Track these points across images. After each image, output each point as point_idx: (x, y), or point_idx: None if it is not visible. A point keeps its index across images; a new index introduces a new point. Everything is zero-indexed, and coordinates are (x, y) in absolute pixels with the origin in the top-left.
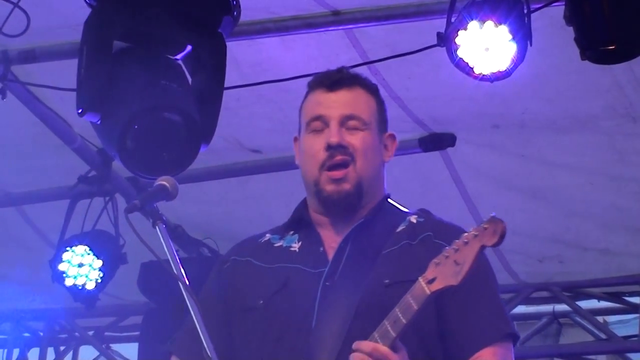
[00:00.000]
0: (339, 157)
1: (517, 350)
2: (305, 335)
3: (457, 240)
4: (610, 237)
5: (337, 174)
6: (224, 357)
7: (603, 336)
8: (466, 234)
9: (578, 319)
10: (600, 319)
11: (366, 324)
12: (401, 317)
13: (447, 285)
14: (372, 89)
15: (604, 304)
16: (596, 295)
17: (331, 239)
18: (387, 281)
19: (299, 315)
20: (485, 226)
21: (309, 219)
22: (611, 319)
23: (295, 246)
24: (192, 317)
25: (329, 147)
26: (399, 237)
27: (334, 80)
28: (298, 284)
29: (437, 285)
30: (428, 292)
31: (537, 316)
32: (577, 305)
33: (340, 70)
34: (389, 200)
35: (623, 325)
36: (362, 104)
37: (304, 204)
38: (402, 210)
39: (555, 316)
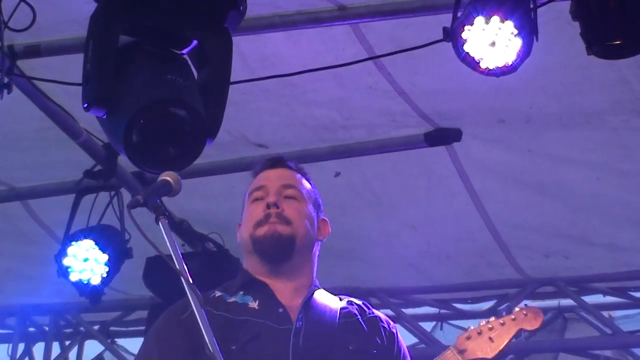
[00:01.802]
0: (274, 219)
1: (523, 345)
2: None
3: (490, 321)
4: (616, 232)
5: (272, 221)
6: None
7: (608, 331)
8: (502, 317)
9: (583, 313)
10: (605, 313)
11: None
12: None
13: (480, 357)
14: (308, 176)
15: (610, 299)
16: (602, 290)
17: (287, 301)
18: (351, 347)
19: None
20: (525, 312)
21: (261, 281)
22: (617, 313)
23: (254, 304)
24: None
25: (267, 206)
26: (348, 313)
27: (275, 160)
28: (269, 336)
29: (469, 356)
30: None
31: (542, 311)
32: (582, 300)
33: (281, 156)
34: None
35: (629, 320)
36: (298, 180)
37: (247, 272)
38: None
39: (560, 311)
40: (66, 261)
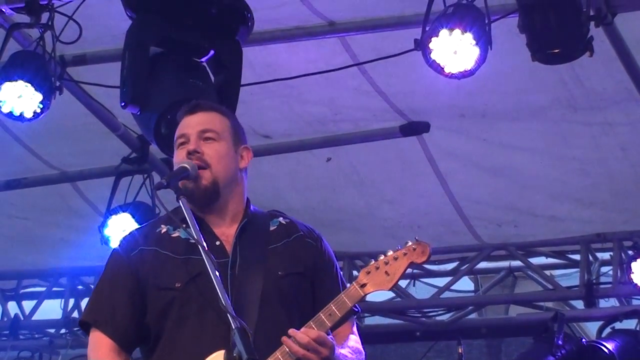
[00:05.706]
0: (196, 162)
1: (481, 298)
2: (224, 313)
3: (386, 255)
4: (556, 205)
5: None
6: (133, 324)
7: (550, 287)
8: (395, 252)
9: (530, 272)
10: (547, 272)
11: (271, 307)
12: (336, 311)
13: (379, 289)
14: (225, 113)
15: (551, 260)
16: (544, 253)
17: (221, 234)
18: (280, 273)
19: (214, 297)
20: (414, 247)
21: (198, 216)
22: (556, 272)
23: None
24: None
25: (188, 154)
26: (277, 236)
27: (193, 106)
28: (209, 272)
29: (369, 289)
30: (362, 293)
31: (496, 270)
32: (529, 261)
33: (199, 101)
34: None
35: (566, 277)
36: (216, 121)
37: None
38: (264, 212)
39: (511, 270)
40: (107, 231)
